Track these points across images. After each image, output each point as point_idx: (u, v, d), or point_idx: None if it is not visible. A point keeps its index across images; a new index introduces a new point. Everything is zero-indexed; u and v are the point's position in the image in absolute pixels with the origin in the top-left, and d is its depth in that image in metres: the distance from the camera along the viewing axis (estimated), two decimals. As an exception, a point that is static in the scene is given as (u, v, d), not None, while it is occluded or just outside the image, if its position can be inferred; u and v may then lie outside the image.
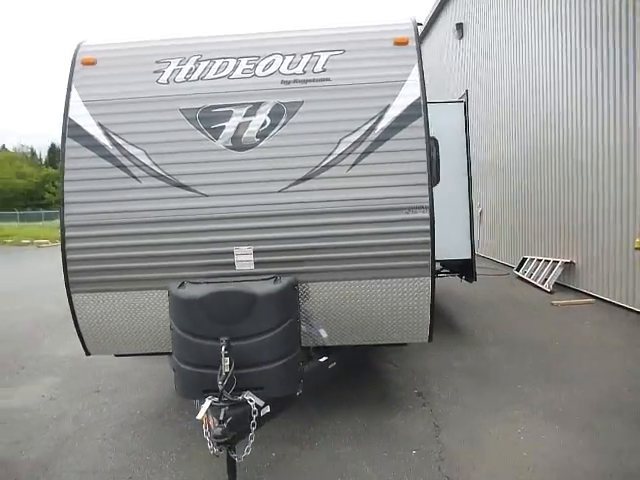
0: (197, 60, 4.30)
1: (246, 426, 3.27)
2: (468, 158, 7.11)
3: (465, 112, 7.04)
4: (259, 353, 3.46)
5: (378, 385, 5.48)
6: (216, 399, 3.26)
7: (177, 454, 4.14)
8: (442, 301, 8.92)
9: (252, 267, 4.11)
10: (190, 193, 4.12)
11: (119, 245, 4.15)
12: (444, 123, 7.04)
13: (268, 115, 4.16)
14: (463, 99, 7.14)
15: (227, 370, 3.27)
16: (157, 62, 4.32)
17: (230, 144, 4.14)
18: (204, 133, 4.15)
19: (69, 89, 4.30)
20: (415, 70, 4.18)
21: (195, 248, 4.12)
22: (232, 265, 4.10)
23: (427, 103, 4.18)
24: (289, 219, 4.10)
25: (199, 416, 3.25)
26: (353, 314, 4.20)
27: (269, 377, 3.49)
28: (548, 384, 5.39)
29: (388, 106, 4.12)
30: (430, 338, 4.31)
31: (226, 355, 3.28)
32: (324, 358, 4.26)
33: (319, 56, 4.27)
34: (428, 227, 4.03)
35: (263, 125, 4.14)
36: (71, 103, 4.26)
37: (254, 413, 3.31)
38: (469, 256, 7.18)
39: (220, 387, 3.26)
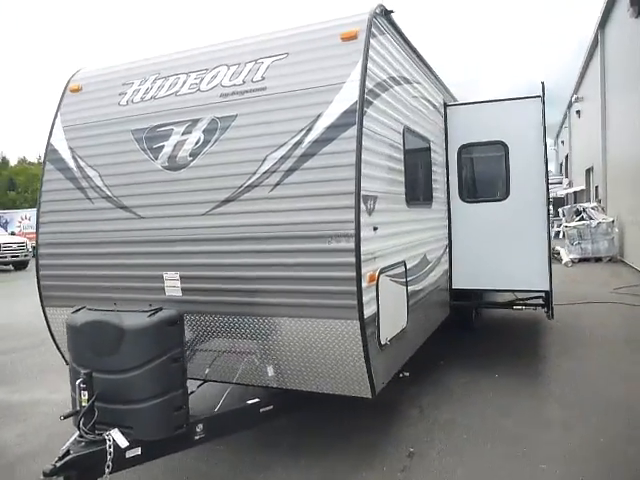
0: (154, 79, 4.24)
1: (100, 467, 3.06)
2: (547, 167, 5.74)
3: (543, 110, 5.69)
4: (127, 390, 3.21)
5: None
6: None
7: None
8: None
9: (180, 294, 3.89)
10: (129, 215, 4.07)
11: (76, 264, 4.30)
12: (515, 125, 5.85)
13: (203, 132, 3.88)
14: (539, 94, 5.77)
15: (84, 404, 3.11)
16: (123, 84, 4.37)
17: (167, 164, 3.97)
18: (147, 154, 4.06)
19: (55, 116, 4.62)
20: (357, 68, 3.47)
21: (130, 271, 4.06)
22: (163, 290, 3.94)
23: (362, 108, 3.42)
24: (209, 245, 3.77)
25: (64, 447, 3.15)
26: (283, 356, 3.68)
27: (138, 417, 3.21)
28: None
29: (319, 115, 3.50)
30: (373, 393, 3.54)
31: (83, 389, 3.12)
32: (254, 400, 3.80)
33: (261, 63, 3.84)
34: (353, 260, 3.29)
35: (197, 143, 3.89)
36: (54, 129, 4.57)
37: (110, 454, 3.08)
38: (547, 287, 5.79)
39: (75, 421, 3.11)
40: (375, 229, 3.59)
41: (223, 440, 4.33)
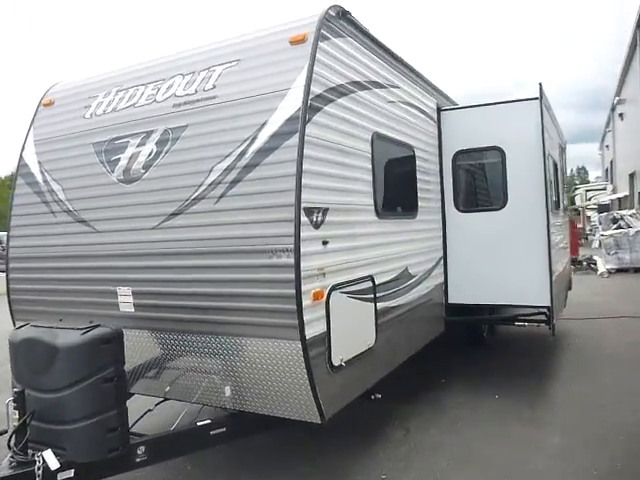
0: (117, 91, 4.19)
1: (27, 490, 2.97)
2: (545, 174, 5.35)
3: (541, 113, 5.31)
4: (59, 410, 3.10)
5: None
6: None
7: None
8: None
9: (132, 309, 3.79)
10: (88, 229, 4.01)
11: (41, 278, 4.28)
12: (512, 129, 5.51)
13: (156, 144, 3.79)
14: (537, 96, 5.38)
15: (15, 423, 3.03)
16: (89, 97, 4.35)
17: (122, 177, 3.90)
18: (104, 166, 4.00)
19: (28, 130, 4.64)
20: (303, 73, 3.29)
21: (88, 285, 3.99)
22: (117, 306, 3.85)
23: (306, 116, 3.22)
24: (158, 259, 3.65)
25: None
26: (233, 376, 3.51)
27: (70, 438, 3.10)
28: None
29: (264, 123, 3.33)
30: (322, 418, 3.31)
31: (14, 407, 3.04)
32: (205, 421, 3.63)
33: (214, 71, 3.72)
34: (292, 276, 3.09)
35: (150, 155, 3.79)
36: (26, 143, 4.58)
37: (38, 476, 2.98)
38: (547, 302, 5.38)
39: (7, 441, 3.04)
40: (325, 243, 3.38)
41: (189, 459, 4.26)
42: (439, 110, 5.84)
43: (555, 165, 6.78)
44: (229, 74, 3.63)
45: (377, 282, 4.08)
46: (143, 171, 3.77)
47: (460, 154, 5.81)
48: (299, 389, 3.24)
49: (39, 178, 4.36)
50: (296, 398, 3.29)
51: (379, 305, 4.11)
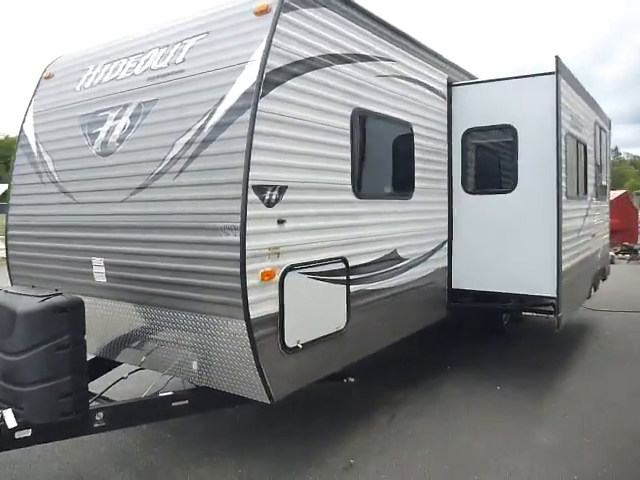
0: (104, 64, 4.23)
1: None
2: (559, 156, 4.95)
3: (557, 89, 4.89)
4: (18, 372, 3.25)
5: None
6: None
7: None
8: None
9: (105, 280, 3.89)
10: (69, 200, 4.13)
11: (34, 246, 4.46)
12: (526, 106, 5.16)
13: (130, 117, 3.81)
14: (553, 70, 4.92)
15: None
16: (81, 70, 4.42)
17: (100, 149, 3.96)
18: (86, 139, 4.08)
19: (30, 102, 4.80)
20: (262, 46, 3.17)
21: (69, 254, 4.12)
22: (92, 276, 3.96)
23: (260, 90, 3.11)
24: (125, 232, 3.71)
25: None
26: (193, 352, 3.54)
27: (26, 399, 3.24)
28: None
29: (223, 97, 3.26)
30: (270, 399, 3.28)
31: (-21, 368, 3.22)
32: (167, 393, 3.69)
33: (185, 44, 3.67)
34: (238, 254, 3.04)
35: (124, 128, 3.82)
36: (27, 115, 4.75)
37: (-6, 433, 3.15)
38: (553, 292, 5.05)
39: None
40: (281, 222, 3.29)
41: (170, 428, 4.38)
42: (450, 85, 5.52)
43: (584, 146, 6.28)
44: (198, 47, 3.57)
45: (352, 264, 3.96)
46: (117, 144, 3.81)
47: (470, 132, 5.49)
48: (247, 368, 3.23)
49: (34, 149, 4.52)
50: (245, 377, 3.28)
51: (354, 287, 3.99)
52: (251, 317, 3.09)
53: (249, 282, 3.06)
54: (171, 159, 3.43)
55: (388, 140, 4.54)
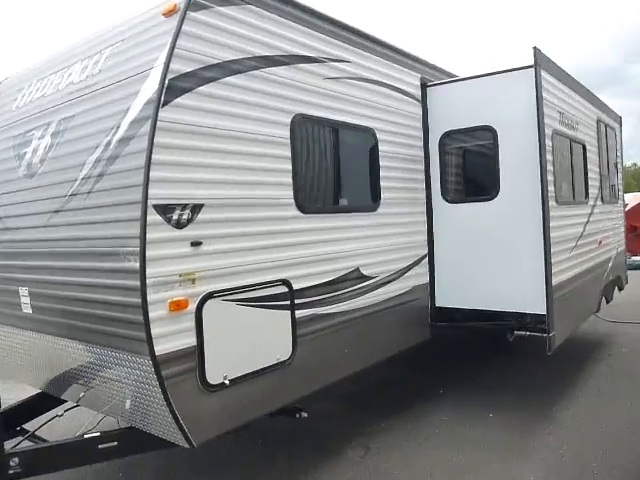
0: (37, 80, 4.01)
1: None
2: (542, 157, 4.45)
3: (537, 84, 4.40)
4: None
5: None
6: None
7: None
8: None
9: (30, 311, 3.61)
10: (1, 225, 3.89)
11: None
12: (505, 105, 4.70)
13: (51, 135, 3.54)
14: (531, 64, 4.43)
15: None
16: (18, 89, 4.21)
17: (25, 171, 3.71)
18: (16, 160, 3.84)
19: (-22, 124, 4.61)
20: (166, 50, 2.86)
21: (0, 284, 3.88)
22: (20, 306, 3.69)
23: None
24: (44, 259, 3.44)
25: None
26: (114, 388, 3.21)
27: None
28: None
29: (128, 109, 2.95)
30: (190, 442, 2.91)
31: None
32: (93, 434, 3.36)
33: (103, 53, 3.39)
34: (137, 283, 2.70)
35: (45, 148, 3.56)
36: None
37: None
38: (542, 309, 4.52)
39: None
40: (196, 244, 2.94)
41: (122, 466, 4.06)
42: (425, 86, 5.10)
43: (583, 146, 5.73)
44: (112, 56, 3.29)
45: (297, 287, 3.57)
46: (39, 165, 3.56)
47: (448, 136, 5.05)
48: (160, 410, 2.87)
49: (-25, 172, 4.32)
50: (162, 419, 2.92)
51: (301, 313, 3.60)
52: (157, 353, 2.73)
53: (152, 314, 2.71)
54: (82, 179, 3.14)
55: (344, 148, 4.15)
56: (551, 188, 4.59)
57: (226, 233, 3.12)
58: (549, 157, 4.59)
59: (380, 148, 4.44)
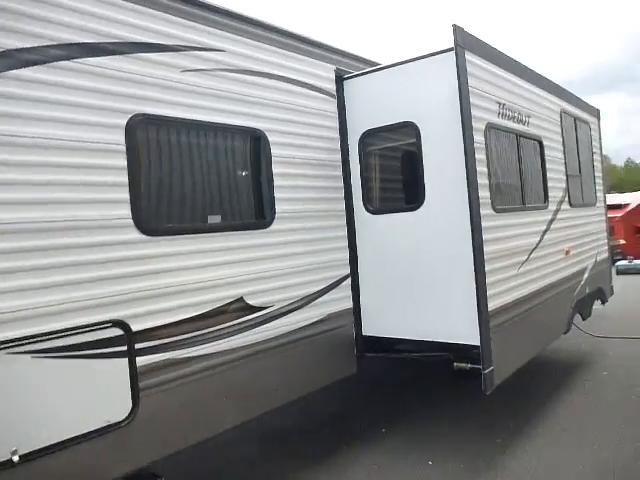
0: None
1: None
2: (468, 156, 3.69)
3: (458, 70, 3.65)
4: None
5: None
6: None
7: None
8: None
9: None
10: None
11: None
12: (426, 96, 3.98)
13: None
14: (452, 46, 3.67)
15: None
16: None
17: None
18: None
19: None
20: None
21: None
22: None
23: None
24: None
25: None
26: None
27: None
28: None
29: None
30: None
31: None
32: None
33: None
34: None
35: None
36: None
37: None
38: (476, 340, 3.75)
39: None
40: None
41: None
42: (341, 79, 4.38)
43: (538, 142, 4.95)
44: None
45: (139, 328, 2.88)
46: None
47: (369, 135, 4.32)
48: None
49: None
50: None
51: (146, 360, 2.91)
52: None
53: None
54: None
55: (214, 153, 3.44)
56: (483, 193, 3.83)
57: (8, 268, 2.43)
58: (480, 156, 3.84)
59: (273, 153, 3.73)
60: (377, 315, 4.35)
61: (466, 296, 3.74)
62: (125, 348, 2.82)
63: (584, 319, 5.92)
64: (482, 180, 3.84)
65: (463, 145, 3.67)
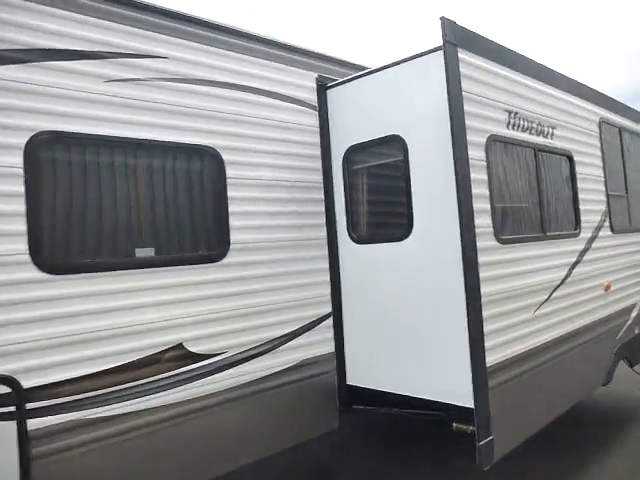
0: None
1: None
2: (459, 177, 3.01)
3: (447, 72, 3.00)
4: None
5: None
6: None
7: None
8: None
9: None
10: None
11: None
12: (414, 105, 3.37)
13: None
14: (440, 44, 3.00)
15: None
16: None
17: None
18: None
19: None
20: None
21: None
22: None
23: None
24: None
25: None
26: None
27: None
28: None
29: None
30: None
31: None
32: None
33: None
34: None
35: None
36: None
37: None
38: (470, 402, 3.02)
39: None
40: None
41: None
42: (324, 88, 3.82)
43: (568, 158, 4.16)
44: None
45: (32, 384, 2.42)
46: None
47: (354, 152, 3.73)
48: None
49: None
50: None
51: (42, 422, 2.44)
52: None
53: None
54: None
55: (147, 177, 2.94)
56: (482, 221, 3.13)
57: None
58: (479, 176, 3.15)
59: (228, 174, 3.21)
60: (363, 362, 3.71)
61: (458, 348, 3.04)
62: (13, 409, 2.36)
63: (632, 366, 4.96)
64: (481, 204, 3.15)
65: (453, 167, 3.00)
